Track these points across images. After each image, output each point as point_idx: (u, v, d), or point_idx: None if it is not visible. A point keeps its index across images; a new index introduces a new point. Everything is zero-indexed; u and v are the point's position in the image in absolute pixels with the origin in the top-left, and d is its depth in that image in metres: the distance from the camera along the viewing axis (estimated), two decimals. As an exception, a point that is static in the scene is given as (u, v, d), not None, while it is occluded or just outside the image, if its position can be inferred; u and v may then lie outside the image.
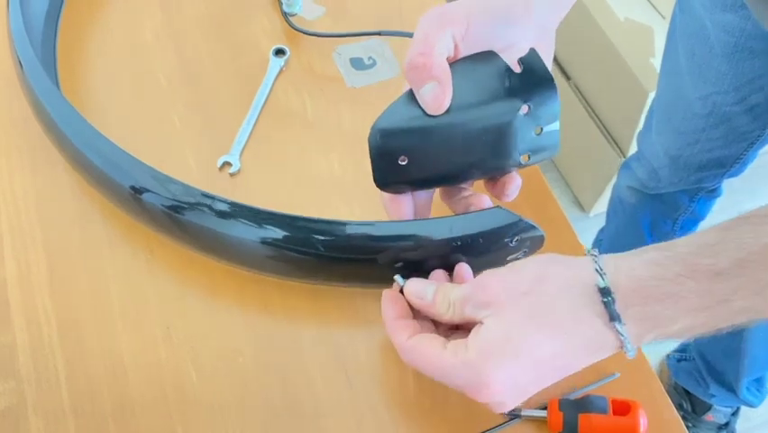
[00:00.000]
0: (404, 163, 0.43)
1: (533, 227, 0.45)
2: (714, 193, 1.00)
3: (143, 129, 0.60)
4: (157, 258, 0.54)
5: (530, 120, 0.43)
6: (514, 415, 0.48)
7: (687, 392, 1.23)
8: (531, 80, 0.42)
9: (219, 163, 0.58)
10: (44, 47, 0.58)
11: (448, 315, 0.42)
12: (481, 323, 0.40)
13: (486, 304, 0.40)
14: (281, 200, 0.57)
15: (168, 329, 0.51)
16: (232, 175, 0.58)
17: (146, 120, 0.61)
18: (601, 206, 1.45)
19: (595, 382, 0.49)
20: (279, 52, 0.64)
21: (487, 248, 0.46)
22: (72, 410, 0.48)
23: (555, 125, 0.44)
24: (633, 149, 1.25)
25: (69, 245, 0.54)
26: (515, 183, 0.46)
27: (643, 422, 0.46)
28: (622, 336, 0.38)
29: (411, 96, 0.43)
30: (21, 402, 0.48)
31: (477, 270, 0.47)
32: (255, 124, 0.61)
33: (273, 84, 0.63)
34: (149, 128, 0.60)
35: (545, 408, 0.47)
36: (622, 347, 0.39)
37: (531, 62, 0.42)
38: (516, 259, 0.47)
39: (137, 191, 0.49)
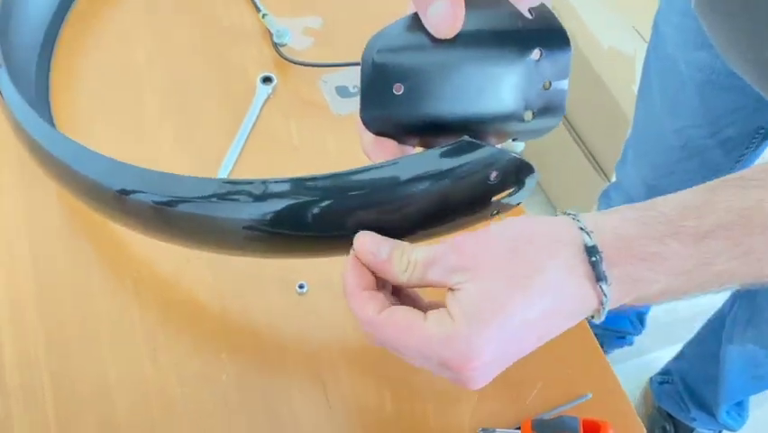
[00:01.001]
0: (398, 93, 0.39)
1: (508, 156, 0.39)
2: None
3: (132, 152, 0.61)
4: (144, 280, 0.55)
5: (540, 71, 0.40)
6: (488, 434, 0.49)
7: (670, 415, 1.25)
8: (543, 29, 0.39)
9: (206, 187, 0.60)
10: (38, 72, 0.60)
11: (405, 276, 0.38)
12: (455, 289, 0.36)
13: (462, 268, 0.36)
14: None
15: (153, 350, 0.52)
16: (218, 198, 0.59)
17: (135, 143, 0.63)
18: (586, 229, 1.47)
19: (567, 403, 0.51)
20: (267, 80, 0.66)
21: (459, 189, 0.39)
22: (58, 427, 0.49)
23: (564, 84, 0.41)
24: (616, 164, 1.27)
25: (58, 264, 0.55)
26: None
27: (612, 442, 0.47)
28: (605, 296, 0.36)
29: (412, 21, 0.38)
30: (7, 419, 0.49)
31: (458, 217, 0.42)
32: (242, 149, 0.62)
33: (261, 110, 0.65)
34: (138, 151, 0.62)
35: (519, 428, 0.49)
36: (599, 310, 0.37)
37: (543, 12, 0.39)
38: (509, 202, 0.42)
39: (125, 192, 0.46)
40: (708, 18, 0.66)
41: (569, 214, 0.38)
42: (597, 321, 0.38)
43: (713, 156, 0.83)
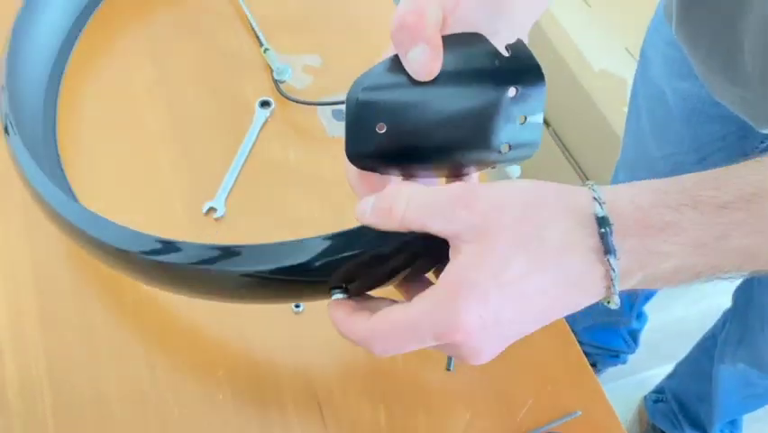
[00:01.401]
0: (381, 132, 0.40)
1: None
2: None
3: (133, 174, 0.63)
4: (143, 298, 0.56)
5: (515, 107, 0.42)
6: (480, 451, 0.50)
7: (664, 433, 1.25)
8: (519, 66, 0.41)
9: (204, 209, 0.61)
10: (46, 105, 0.61)
11: (400, 222, 0.37)
12: (458, 249, 0.36)
13: (469, 225, 0.36)
14: (263, 244, 0.60)
15: (152, 368, 0.53)
16: (216, 220, 0.61)
17: (135, 166, 0.64)
18: (580, 248, 1.49)
19: (557, 420, 0.52)
20: (265, 104, 0.68)
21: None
22: (57, 445, 0.50)
23: (539, 117, 0.42)
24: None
25: (59, 284, 0.57)
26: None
27: (601, 458, 0.48)
28: (613, 270, 0.35)
29: (394, 62, 0.40)
30: (8, 437, 0.50)
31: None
32: (240, 171, 0.64)
33: (259, 133, 0.67)
34: (138, 173, 0.63)
35: (510, 444, 0.50)
36: (609, 289, 0.36)
37: (519, 49, 0.41)
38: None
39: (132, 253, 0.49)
40: (688, 43, 0.68)
41: (587, 184, 0.37)
42: (612, 306, 0.37)
43: None
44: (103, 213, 0.58)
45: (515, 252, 0.35)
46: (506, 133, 0.42)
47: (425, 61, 0.38)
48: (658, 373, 1.31)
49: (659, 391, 1.27)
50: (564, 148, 1.45)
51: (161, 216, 0.61)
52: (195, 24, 0.74)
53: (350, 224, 0.51)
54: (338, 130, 0.68)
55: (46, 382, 0.52)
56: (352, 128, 0.40)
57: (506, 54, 0.40)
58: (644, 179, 0.97)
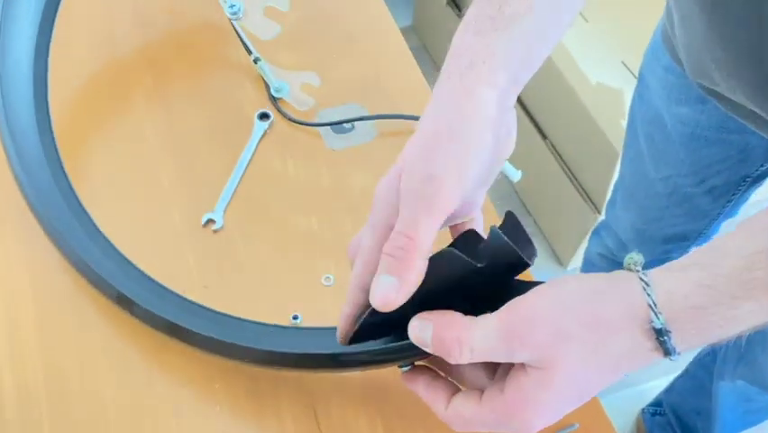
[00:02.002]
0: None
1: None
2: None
3: (132, 187, 0.63)
4: (141, 310, 0.56)
5: None
6: (477, 465, 0.50)
7: (662, 447, 1.25)
8: (499, 264, 0.40)
9: (203, 220, 0.61)
10: (38, 111, 0.61)
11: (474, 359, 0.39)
12: (523, 367, 0.38)
13: (529, 357, 0.37)
14: (261, 256, 0.60)
15: (150, 380, 0.53)
16: (215, 231, 0.61)
17: (134, 177, 0.64)
18: (579, 260, 1.49)
19: (555, 433, 0.52)
20: (264, 116, 0.68)
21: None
22: (54, 457, 0.50)
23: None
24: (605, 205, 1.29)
25: (57, 296, 0.57)
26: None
27: (598, 472, 0.48)
28: (672, 360, 0.37)
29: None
30: (5, 449, 0.50)
31: None
32: (239, 184, 0.64)
33: (257, 146, 0.67)
34: (137, 184, 0.64)
35: (507, 457, 0.50)
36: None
37: (496, 247, 0.39)
38: None
39: (128, 301, 0.52)
40: (684, 10, 0.64)
41: (640, 278, 0.37)
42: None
43: (700, 203, 0.84)
44: (101, 224, 0.58)
45: (580, 373, 0.37)
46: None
47: (386, 293, 0.39)
48: (656, 385, 1.31)
49: (657, 403, 1.26)
50: (561, 160, 1.46)
51: (160, 227, 0.61)
52: (192, 37, 0.75)
53: (347, 236, 0.51)
54: (337, 142, 0.68)
55: (43, 394, 0.52)
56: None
57: (482, 262, 0.39)
58: (642, 199, 0.95)
